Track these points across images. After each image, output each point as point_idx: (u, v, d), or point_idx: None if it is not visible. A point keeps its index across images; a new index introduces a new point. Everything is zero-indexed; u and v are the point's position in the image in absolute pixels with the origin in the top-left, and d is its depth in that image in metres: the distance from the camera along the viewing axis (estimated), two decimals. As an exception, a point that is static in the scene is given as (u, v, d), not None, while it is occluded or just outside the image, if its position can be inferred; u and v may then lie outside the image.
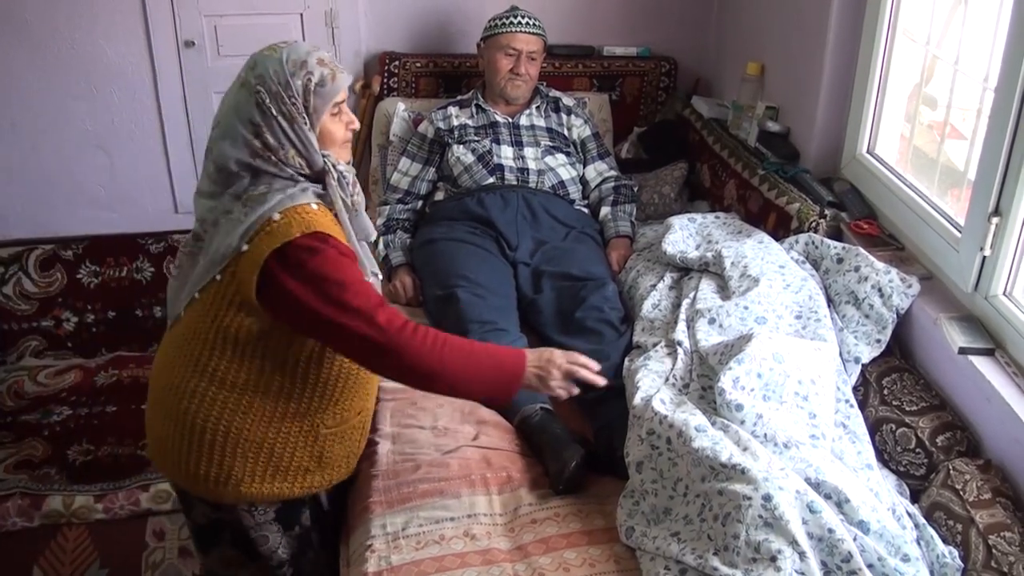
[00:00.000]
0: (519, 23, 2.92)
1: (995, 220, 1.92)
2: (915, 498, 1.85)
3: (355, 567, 1.77)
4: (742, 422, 1.77)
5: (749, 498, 1.58)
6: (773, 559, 1.52)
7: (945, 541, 1.69)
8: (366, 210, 1.79)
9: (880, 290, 2.11)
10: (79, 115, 3.19)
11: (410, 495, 1.87)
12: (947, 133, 2.28)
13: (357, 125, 1.77)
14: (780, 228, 2.52)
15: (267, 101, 1.62)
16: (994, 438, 1.84)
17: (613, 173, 3.00)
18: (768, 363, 1.86)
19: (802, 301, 2.15)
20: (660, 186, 3.06)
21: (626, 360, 2.18)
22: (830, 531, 1.56)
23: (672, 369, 2.03)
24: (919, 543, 1.67)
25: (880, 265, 2.15)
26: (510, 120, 2.96)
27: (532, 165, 2.87)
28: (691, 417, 1.79)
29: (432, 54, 3.33)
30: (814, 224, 2.41)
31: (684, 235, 2.54)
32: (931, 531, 1.70)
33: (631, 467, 1.84)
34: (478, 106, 2.98)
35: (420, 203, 2.94)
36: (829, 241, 2.31)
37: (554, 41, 3.18)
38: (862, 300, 2.12)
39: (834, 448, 1.82)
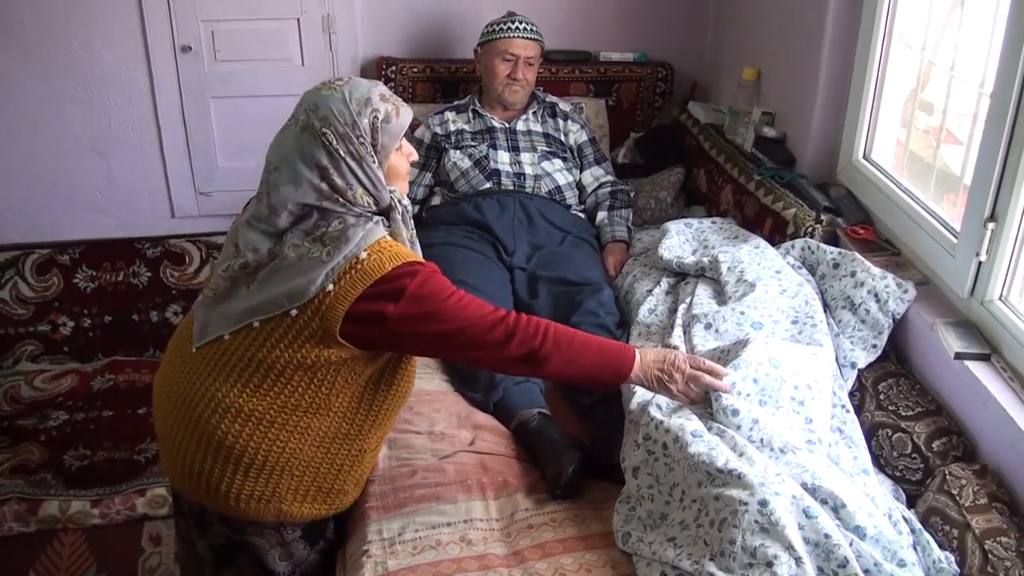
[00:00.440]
0: (516, 28, 2.92)
1: (991, 225, 1.92)
2: (911, 503, 1.85)
3: (351, 573, 1.76)
4: (738, 427, 1.77)
5: (745, 503, 1.58)
6: (769, 564, 1.52)
7: (941, 546, 1.69)
8: None
9: (876, 295, 2.11)
10: (76, 119, 3.19)
11: (406, 500, 1.87)
12: (943, 138, 2.28)
13: (416, 156, 1.78)
14: (776, 233, 2.52)
15: (334, 143, 1.61)
16: (990, 443, 1.84)
17: (609, 178, 3.01)
18: (764, 368, 1.86)
19: (798, 306, 2.15)
20: (656, 191, 3.06)
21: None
22: (826, 536, 1.56)
23: (669, 374, 2.03)
24: (915, 548, 1.67)
25: (876, 270, 2.15)
26: (507, 125, 2.97)
27: (529, 170, 2.88)
28: (687, 422, 1.79)
29: (429, 59, 3.33)
30: (810, 229, 2.41)
31: (680, 240, 2.55)
32: (927, 536, 1.70)
33: (627, 472, 1.84)
34: (475, 111, 2.99)
35: (417, 208, 2.94)
36: (825, 246, 2.31)
37: (551, 46, 3.19)
38: (858, 305, 2.13)
39: (830, 453, 1.82)
